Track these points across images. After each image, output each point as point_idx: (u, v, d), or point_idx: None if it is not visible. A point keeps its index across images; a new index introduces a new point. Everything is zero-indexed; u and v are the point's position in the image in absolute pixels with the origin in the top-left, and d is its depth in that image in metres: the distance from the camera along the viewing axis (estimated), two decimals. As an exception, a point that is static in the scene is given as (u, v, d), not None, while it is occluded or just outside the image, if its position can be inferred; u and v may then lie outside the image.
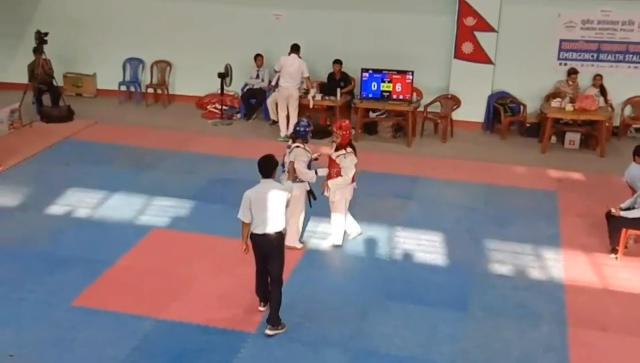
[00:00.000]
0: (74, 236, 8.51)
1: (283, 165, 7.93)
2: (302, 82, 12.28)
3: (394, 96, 12.07)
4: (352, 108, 12.67)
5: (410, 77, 11.97)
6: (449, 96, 12.72)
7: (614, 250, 8.19)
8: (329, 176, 8.09)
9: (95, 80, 14.84)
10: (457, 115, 12.67)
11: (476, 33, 12.59)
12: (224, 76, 13.19)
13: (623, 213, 8.07)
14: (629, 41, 12.30)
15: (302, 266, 7.84)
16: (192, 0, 13.83)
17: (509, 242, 8.50)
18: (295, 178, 7.87)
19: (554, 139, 12.21)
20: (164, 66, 14.34)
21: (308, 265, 7.90)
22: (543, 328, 6.76)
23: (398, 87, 12.02)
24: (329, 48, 13.04)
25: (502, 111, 12.55)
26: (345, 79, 12.88)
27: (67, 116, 12.97)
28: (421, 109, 12.59)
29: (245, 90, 13.46)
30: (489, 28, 12.55)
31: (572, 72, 12.25)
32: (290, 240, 8.04)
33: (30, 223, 8.85)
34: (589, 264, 8.05)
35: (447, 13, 12.74)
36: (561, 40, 12.54)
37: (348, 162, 7.91)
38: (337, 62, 12.72)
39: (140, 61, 14.45)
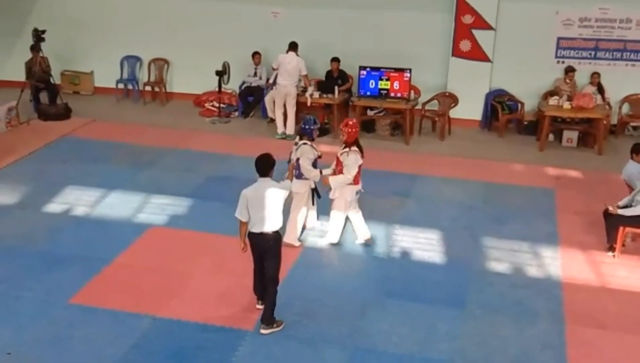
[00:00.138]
0: (72, 234, 8.50)
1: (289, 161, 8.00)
2: (300, 80, 12.28)
3: (392, 94, 12.07)
4: (350, 106, 12.68)
5: (408, 75, 11.97)
6: (447, 94, 12.73)
7: (611, 248, 8.20)
8: (334, 174, 8.07)
9: (93, 78, 14.83)
10: (454, 113, 12.68)
11: (474, 31, 12.60)
12: (222, 73, 13.19)
13: (621, 211, 8.08)
14: (627, 39, 12.32)
15: (300, 264, 7.84)
16: (190, -2, 13.86)
17: (507, 240, 8.51)
18: (300, 175, 7.89)
19: (551, 137, 12.22)
20: (161, 63, 14.32)
21: (306, 263, 7.90)
22: (541, 326, 6.78)
23: (396, 85, 12.02)
24: (327, 46, 13.03)
25: (499, 109, 12.55)
26: (343, 77, 12.87)
27: (65, 114, 12.95)
28: (419, 107, 12.61)
29: (243, 88, 13.45)
30: (486, 26, 12.56)
31: (570, 70, 12.26)
32: (289, 237, 8.05)
33: (28, 221, 8.84)
34: (586, 262, 8.06)
35: (445, 11, 12.74)
36: (559, 38, 12.55)
37: (350, 160, 7.90)
38: (335, 60, 12.72)
39: (138, 59, 14.43)
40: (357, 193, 8.13)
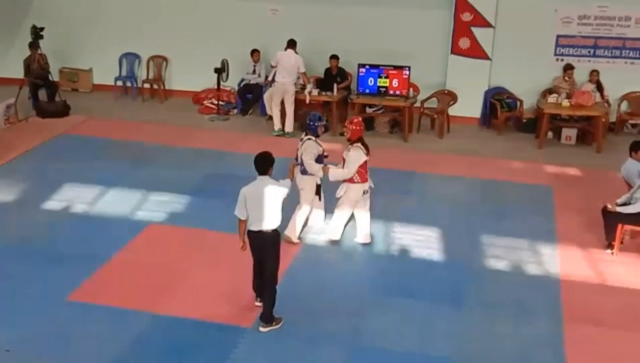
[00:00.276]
0: (71, 232, 8.50)
1: (297, 158, 8.04)
2: (298, 78, 12.27)
3: (391, 92, 12.06)
4: (349, 104, 12.67)
5: (407, 72, 11.96)
6: (446, 92, 12.73)
7: (610, 246, 8.20)
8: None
9: (92, 75, 14.81)
10: (453, 111, 12.68)
11: (473, 29, 12.59)
12: (221, 71, 13.18)
13: (619, 209, 8.09)
14: (626, 37, 12.32)
15: (299, 262, 7.84)
16: (189, -5, 13.85)
17: (505, 237, 8.51)
18: (305, 171, 7.92)
19: (550, 134, 12.22)
20: (160, 61, 14.31)
21: (305, 260, 7.90)
22: (539, 324, 6.78)
23: (395, 82, 12.01)
24: (326, 43, 13.01)
25: (498, 106, 12.55)
26: (342, 74, 12.86)
27: (63, 111, 12.93)
28: (418, 104, 12.60)
29: (241, 85, 13.45)
30: (485, 24, 12.55)
31: (568, 68, 12.26)
32: (289, 231, 8.07)
33: (27, 219, 8.83)
34: (585, 259, 8.07)
35: (444, 8, 12.74)
36: (558, 36, 12.56)
37: (351, 155, 7.88)
38: (334, 57, 12.70)
39: (137, 56, 14.42)
40: (364, 192, 8.07)
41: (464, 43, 12.69)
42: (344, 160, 8.03)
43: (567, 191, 9.98)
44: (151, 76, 14.35)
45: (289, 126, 12.14)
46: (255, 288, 6.84)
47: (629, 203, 8.12)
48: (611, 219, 8.13)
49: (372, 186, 8.18)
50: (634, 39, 12.29)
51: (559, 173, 10.74)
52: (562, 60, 12.57)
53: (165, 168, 10.59)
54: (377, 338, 6.50)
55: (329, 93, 12.36)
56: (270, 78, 12.41)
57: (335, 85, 12.40)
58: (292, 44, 12.10)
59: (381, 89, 12.09)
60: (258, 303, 6.80)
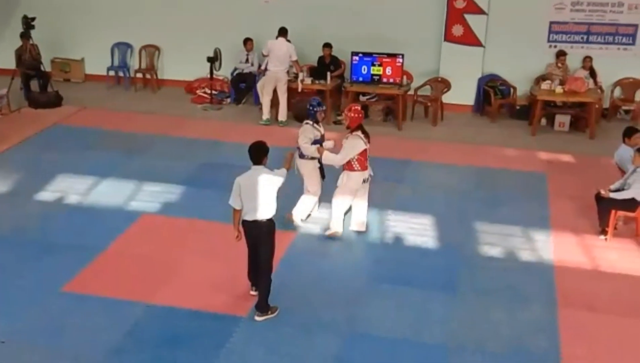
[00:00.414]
0: (65, 222, 8.48)
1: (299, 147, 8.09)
2: (291, 66, 12.24)
3: (384, 80, 12.04)
4: (343, 92, 12.64)
5: (401, 60, 11.93)
6: (439, 79, 12.71)
7: (603, 231, 8.23)
8: None
9: (84, 65, 14.73)
10: (447, 98, 12.66)
11: (466, 15, 12.56)
12: (214, 60, 13.12)
13: (612, 195, 8.12)
14: (619, 23, 12.30)
15: (294, 250, 7.85)
16: (181, -17, 13.76)
17: (499, 224, 8.53)
18: (303, 155, 7.99)
19: (543, 121, 12.23)
20: (152, 50, 14.23)
21: (300, 249, 7.91)
22: (533, 309, 6.81)
23: (388, 70, 11.98)
24: (319, 32, 12.97)
25: (492, 93, 12.55)
26: (335, 62, 12.82)
27: (56, 101, 12.88)
28: (411, 92, 12.58)
29: (234, 74, 13.39)
30: (478, 10, 12.52)
31: (561, 55, 12.26)
32: (295, 211, 8.11)
33: (20, 210, 8.81)
34: (578, 245, 8.10)
35: (437, -5, 12.71)
36: (551, 23, 12.53)
37: (347, 143, 7.86)
38: (327, 45, 12.66)
39: (129, 46, 14.34)
40: (364, 180, 8.04)
41: (457, 30, 12.66)
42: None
43: (561, 177, 10.00)
44: (144, 65, 14.28)
45: (282, 115, 12.12)
46: (250, 278, 6.85)
47: (623, 189, 8.15)
48: (604, 205, 8.15)
49: (372, 174, 8.18)
50: (627, 25, 12.28)
51: (552, 159, 10.75)
52: (555, 46, 12.56)
53: (158, 157, 10.56)
54: (372, 326, 6.52)
55: (322, 82, 12.32)
56: (263, 67, 12.37)
57: (328, 73, 12.35)
58: (283, 32, 12.05)
59: (374, 77, 12.06)
60: (253, 293, 6.81)
